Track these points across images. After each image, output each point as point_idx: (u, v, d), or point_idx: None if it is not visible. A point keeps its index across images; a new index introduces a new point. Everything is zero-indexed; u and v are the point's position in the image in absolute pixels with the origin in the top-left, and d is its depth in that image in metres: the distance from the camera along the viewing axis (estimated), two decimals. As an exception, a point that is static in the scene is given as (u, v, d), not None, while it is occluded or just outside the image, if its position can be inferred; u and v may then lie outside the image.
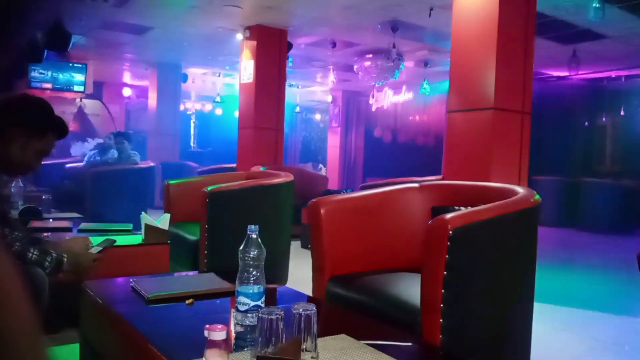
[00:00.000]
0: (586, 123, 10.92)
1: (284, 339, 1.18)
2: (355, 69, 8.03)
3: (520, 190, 2.06)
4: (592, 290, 4.18)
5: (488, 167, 3.42)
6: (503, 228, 1.85)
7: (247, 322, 1.49)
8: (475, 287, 1.78)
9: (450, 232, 1.65)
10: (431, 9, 5.47)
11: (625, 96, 10.42)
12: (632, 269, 1.29)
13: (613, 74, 9.16)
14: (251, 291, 1.50)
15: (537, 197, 1.98)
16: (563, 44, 6.97)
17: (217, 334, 1.09)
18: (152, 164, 6.23)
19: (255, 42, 6.27)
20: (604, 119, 10.79)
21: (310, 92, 12.02)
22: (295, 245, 4.68)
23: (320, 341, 1.25)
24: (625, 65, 8.32)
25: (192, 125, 13.57)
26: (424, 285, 1.73)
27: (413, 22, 6.20)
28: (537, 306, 2.14)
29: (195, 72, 10.15)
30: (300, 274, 3.21)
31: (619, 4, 5.32)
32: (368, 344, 1.38)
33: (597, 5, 4.81)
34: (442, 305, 1.64)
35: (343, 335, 1.44)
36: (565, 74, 8.87)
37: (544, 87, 9.85)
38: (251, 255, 1.49)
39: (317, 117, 15.07)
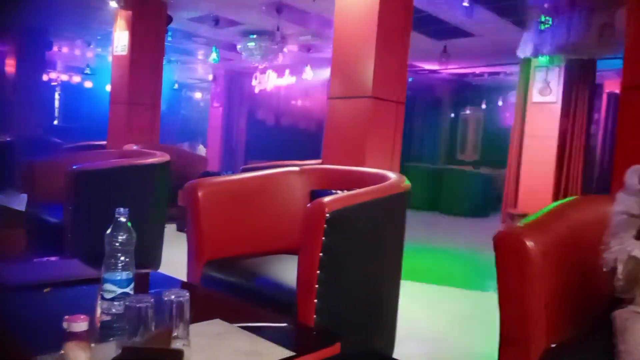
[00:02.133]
0: (452, 115, 11.81)
1: (153, 328, 1.13)
2: (238, 49, 7.88)
3: (392, 176, 2.16)
4: (454, 268, 4.56)
5: (364, 153, 3.55)
6: (376, 211, 1.93)
7: (114, 310, 1.39)
8: (349, 267, 1.84)
9: (328, 215, 1.69)
10: (315, -6, 5.52)
11: (487, 91, 11.44)
12: (487, 249, 1.42)
13: (477, 70, 9.98)
14: (119, 278, 1.40)
15: (407, 182, 2.10)
16: (435, 39, 7.42)
17: (76, 325, 1.01)
18: (7, 139, 5.59)
19: (130, 13, 5.86)
20: (467, 112, 11.75)
21: (191, 68, 11.58)
22: (170, 229, 4.51)
23: (194, 327, 1.21)
24: (488, 62, 9.11)
25: (57, 97, 12.43)
26: (300, 266, 1.75)
27: (298, 6, 6.21)
28: (403, 284, 2.28)
29: (62, 40, 9.27)
30: (175, 258, 3.09)
31: (487, 4, 5.78)
32: (242, 327, 1.36)
33: (467, 4, 5.19)
34: (317, 286, 1.68)
35: (217, 320, 1.41)
36: (436, 67, 9.48)
37: (417, 79, 10.46)
38: (119, 240, 1.40)
39: (198, 95, 14.60)
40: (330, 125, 3.86)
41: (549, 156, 6.47)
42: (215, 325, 1.38)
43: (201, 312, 1.46)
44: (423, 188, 8.73)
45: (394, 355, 2.15)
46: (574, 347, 1.37)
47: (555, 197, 6.27)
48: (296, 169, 2.56)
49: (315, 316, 1.72)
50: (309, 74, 8.81)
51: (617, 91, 7.26)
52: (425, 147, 11.59)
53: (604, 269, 1.33)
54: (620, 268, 1.28)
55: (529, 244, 1.35)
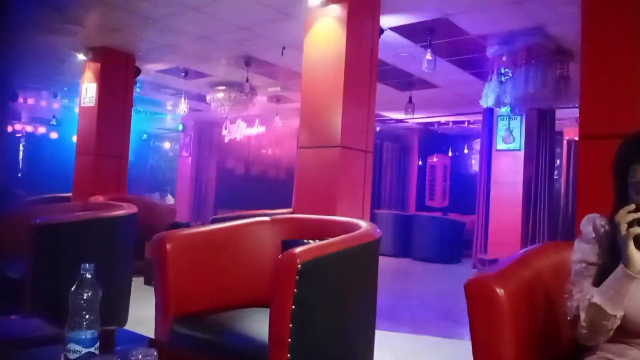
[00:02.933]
0: (420, 162, 12.05)
1: (119, 390, 1.08)
2: (207, 99, 7.95)
3: (364, 224, 2.18)
4: (428, 316, 4.54)
5: (335, 202, 3.58)
6: (348, 260, 1.93)
7: (78, 372, 1.33)
8: (322, 319, 1.82)
9: (299, 266, 1.68)
10: (283, 48, 5.66)
11: (453, 139, 11.77)
12: (461, 296, 1.42)
13: (443, 119, 10.30)
14: (83, 337, 1.35)
15: (377, 231, 2.11)
16: (401, 90, 7.67)
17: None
18: (-33, 192, 5.43)
19: (98, 65, 5.89)
20: (435, 159, 12.00)
21: (160, 119, 11.59)
22: (138, 282, 4.38)
23: (161, 388, 1.17)
24: (453, 111, 9.42)
25: (21, 149, 12.19)
26: (272, 320, 1.72)
27: (265, 59, 6.35)
28: (377, 333, 2.26)
29: (27, 92, 9.19)
30: (142, 313, 3.00)
31: (448, 57, 6.04)
32: (213, 387, 1.32)
33: (430, 57, 5.41)
34: (289, 340, 1.65)
35: (186, 379, 1.36)
36: (403, 117, 9.74)
37: (384, 128, 10.71)
38: (84, 297, 1.35)
39: (167, 145, 14.54)
40: (301, 175, 3.89)
41: (516, 202, 6.63)
42: (184, 385, 1.34)
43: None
44: (393, 234, 8.78)
45: (369, 409, 2.10)
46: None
47: (524, 242, 6.39)
48: (267, 219, 2.55)
49: (288, 372, 1.67)
50: (278, 123, 8.92)
51: (576, 138, 7.57)
52: (394, 194, 11.73)
53: (568, 318, 1.35)
54: (582, 315, 1.30)
55: (499, 290, 1.36)
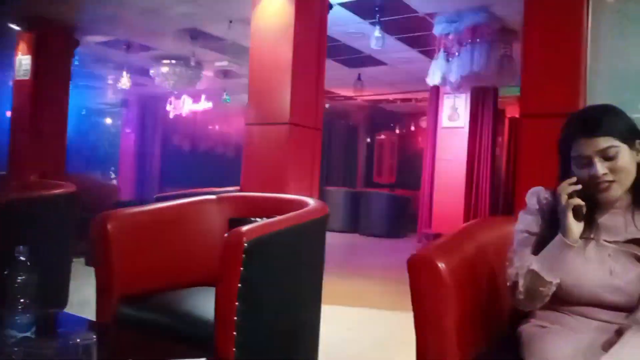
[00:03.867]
0: (368, 139, 12.17)
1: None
2: (151, 74, 7.68)
3: (311, 201, 2.18)
4: (374, 290, 4.64)
5: (283, 179, 3.57)
6: (295, 238, 1.93)
7: (14, 357, 1.28)
8: (269, 297, 1.82)
9: (246, 244, 1.66)
10: (230, 22, 5.53)
11: (401, 117, 11.94)
12: (404, 269, 1.46)
13: (391, 97, 10.41)
14: (18, 321, 1.30)
15: (325, 207, 2.12)
16: (350, 67, 7.67)
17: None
18: None
19: (33, 35, 5.56)
20: (382, 136, 12.15)
21: (101, 93, 11.12)
22: (79, 263, 4.24)
23: (103, 371, 1.14)
24: (400, 89, 9.53)
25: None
26: (218, 299, 1.71)
27: (213, 33, 6.19)
28: (324, 308, 2.29)
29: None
30: (84, 295, 2.91)
31: (397, 35, 6.08)
32: (158, 367, 1.30)
33: (378, 35, 5.42)
34: (236, 318, 1.64)
35: (130, 361, 1.34)
36: (352, 94, 9.78)
37: (334, 105, 10.72)
38: (19, 280, 1.29)
39: (109, 121, 14.01)
40: (249, 152, 3.85)
41: (459, 178, 6.83)
42: (128, 367, 1.31)
43: (112, 354, 1.38)
44: (343, 211, 8.89)
45: (317, 383, 2.14)
46: (485, 363, 1.43)
47: (466, 217, 6.61)
48: (213, 197, 2.51)
49: (234, 349, 1.67)
50: (226, 99, 8.75)
51: (517, 116, 7.83)
52: (343, 170, 11.84)
53: (507, 284, 1.41)
54: (521, 282, 1.36)
55: (440, 265, 1.40)
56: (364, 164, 11.98)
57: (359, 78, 8.12)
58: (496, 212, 6.98)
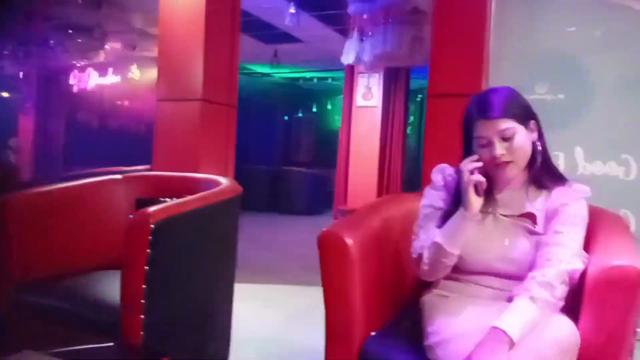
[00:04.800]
0: (286, 117, 12.14)
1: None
2: (52, 44, 7.14)
3: (224, 180, 2.15)
4: (291, 266, 4.69)
5: (197, 158, 3.47)
6: (207, 218, 1.90)
7: None
8: (179, 279, 1.78)
9: (152, 225, 1.61)
10: (139, -9, 5.24)
11: (318, 95, 11.99)
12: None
13: (308, 75, 10.41)
14: None
15: (238, 187, 2.10)
16: (266, 43, 7.56)
17: None
18: None
19: None
20: (300, 115, 12.17)
21: (-5, 65, 10.18)
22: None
23: (-7, 364, 1.06)
24: (317, 67, 9.55)
25: None
26: (124, 282, 1.65)
27: (119, 1, 5.83)
28: (240, 287, 2.28)
29: None
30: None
31: (312, 12, 6.05)
32: (56, 355, 1.23)
33: (293, 11, 5.37)
34: (143, 301, 1.59)
35: (27, 352, 1.26)
36: (269, 71, 9.68)
37: (251, 82, 10.55)
38: None
39: (4, 94, 12.89)
40: (159, 129, 3.70)
41: (373, 156, 7.01)
42: (24, 358, 1.23)
43: (7, 344, 1.29)
44: (261, 189, 8.86)
45: (230, 361, 2.14)
46: (390, 333, 1.50)
47: (379, 194, 6.82)
48: (119, 176, 2.39)
49: (142, 333, 1.62)
50: (135, 73, 8.33)
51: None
52: (261, 149, 11.74)
53: (413, 256, 1.48)
54: (425, 253, 1.43)
55: (348, 240, 1.44)
56: (283, 142, 11.96)
57: (275, 55, 8.03)
58: (408, 188, 7.25)
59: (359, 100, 7.14)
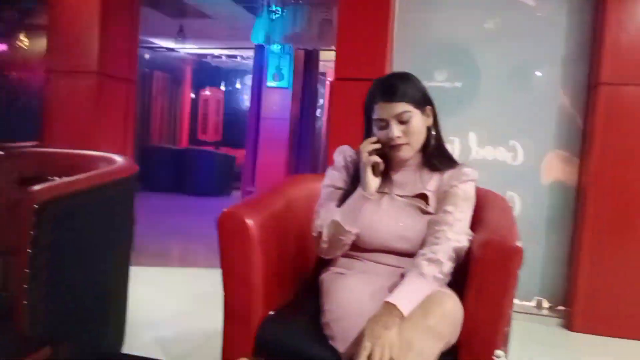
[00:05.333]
0: (193, 95, 11.77)
1: None
2: None
3: (119, 159, 2.04)
4: (193, 249, 4.59)
5: (92, 135, 3.27)
6: (97, 198, 1.79)
7: None
8: (68, 262, 1.67)
9: (36, 205, 1.49)
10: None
11: (226, 73, 11.73)
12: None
13: (216, 52, 10.12)
14: None
15: (134, 166, 2.00)
16: (172, 17, 7.24)
17: None
18: None
19: None
20: (208, 92, 11.85)
21: None
22: None
23: None
24: (226, 45, 9.31)
25: None
26: (5, 266, 1.52)
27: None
28: (138, 271, 2.19)
29: None
30: None
31: (220, -13, 5.88)
32: None
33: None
34: (26, 286, 1.48)
35: None
36: (174, 45, 9.30)
37: (154, 57, 10.07)
38: None
39: None
40: (50, 103, 3.43)
41: (283, 137, 7.00)
42: None
43: None
44: (166, 170, 8.53)
45: (126, 348, 2.05)
46: (289, 311, 1.51)
47: (288, 175, 6.85)
48: (1, 152, 2.19)
49: (28, 320, 1.51)
50: (25, 42, 7.64)
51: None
52: (165, 127, 11.31)
53: (314, 234, 1.50)
54: (325, 232, 1.46)
55: (249, 221, 1.42)
56: (189, 120, 11.58)
57: (180, 30, 7.72)
58: (316, 170, 7.35)
59: (269, 80, 7.08)
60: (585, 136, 2.88)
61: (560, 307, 2.95)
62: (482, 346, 1.25)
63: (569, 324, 2.84)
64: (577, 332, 2.79)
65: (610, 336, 2.74)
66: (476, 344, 1.26)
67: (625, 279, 2.73)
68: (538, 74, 2.99)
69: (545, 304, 2.99)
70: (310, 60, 7.06)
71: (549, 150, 2.98)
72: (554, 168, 2.98)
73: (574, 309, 2.83)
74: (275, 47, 6.80)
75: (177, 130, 11.32)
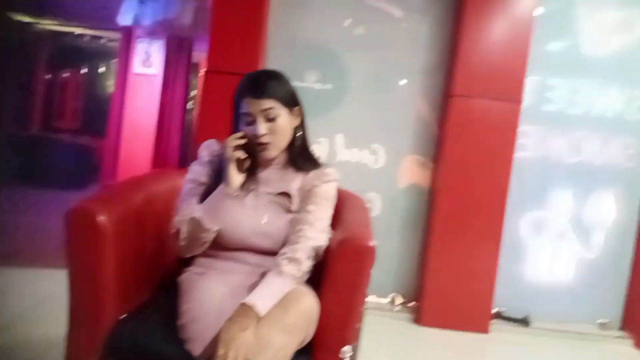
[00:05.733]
0: (48, 76, 10.71)
1: None
2: None
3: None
4: (43, 247, 4.19)
5: None
6: None
7: None
8: None
9: None
10: None
11: (89, 56, 10.86)
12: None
13: (78, 30, 9.32)
14: None
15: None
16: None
17: None
18: None
19: None
20: (66, 75, 10.89)
21: None
22: None
23: None
24: (90, 24, 8.61)
25: None
26: None
27: None
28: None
29: None
30: None
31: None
32: None
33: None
34: None
35: None
36: (30, 21, 8.41)
37: (7, 31, 9.01)
38: None
39: None
40: None
41: (149, 128, 6.67)
42: None
43: None
44: (11, 159, 7.65)
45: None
46: (145, 313, 1.43)
47: (154, 168, 6.54)
48: None
49: None
50: None
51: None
52: (15, 111, 10.15)
53: (172, 231, 1.44)
54: (183, 229, 1.41)
55: (101, 217, 1.33)
56: (42, 104, 10.51)
57: (38, 3, 7.00)
58: (185, 164, 7.12)
59: (137, 66, 6.69)
60: (439, 143, 3.13)
61: (412, 303, 3.18)
62: (334, 342, 1.30)
63: (418, 319, 3.07)
64: (425, 326, 3.03)
65: (452, 329, 3.01)
66: (329, 339, 1.30)
67: (464, 276, 3.02)
68: (401, 82, 3.18)
69: (399, 300, 3.20)
70: (182, 49, 6.81)
71: (407, 154, 3.19)
72: (411, 172, 3.20)
73: (422, 305, 3.06)
74: (145, 32, 6.44)
75: (28, 115, 10.22)
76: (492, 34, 2.94)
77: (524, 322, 3.12)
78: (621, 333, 3.17)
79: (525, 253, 3.21)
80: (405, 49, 3.16)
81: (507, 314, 3.15)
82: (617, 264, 3.22)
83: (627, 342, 3.13)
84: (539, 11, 3.03)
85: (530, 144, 3.17)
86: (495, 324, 3.10)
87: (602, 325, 3.19)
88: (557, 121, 3.17)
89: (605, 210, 3.20)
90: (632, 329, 3.16)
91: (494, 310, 3.12)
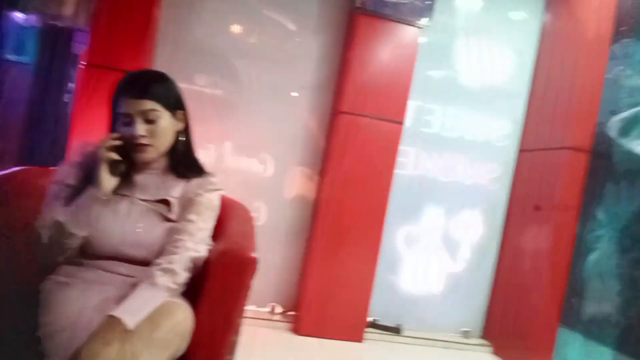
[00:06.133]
0: None
1: None
2: None
3: None
4: None
5: None
6: None
7: None
8: None
9: None
10: None
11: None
12: None
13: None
14: None
15: None
16: None
17: None
18: None
19: None
20: None
21: None
22: None
23: None
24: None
25: None
26: None
27: None
28: None
29: None
30: None
31: None
32: None
33: None
34: None
35: None
36: None
37: None
38: None
39: None
40: None
41: (17, 122, 6.06)
42: None
43: None
44: None
45: None
46: (0, 325, 1.29)
47: (21, 165, 5.95)
48: None
49: None
50: None
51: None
52: None
53: (32, 236, 1.32)
54: (44, 233, 1.29)
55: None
56: None
57: None
58: (57, 162, 6.57)
59: (8, 53, 6.06)
60: (325, 157, 3.20)
61: (291, 312, 3.20)
62: (208, 356, 1.26)
63: (296, 328, 3.10)
64: (302, 335, 3.06)
65: (329, 338, 3.08)
66: (203, 353, 1.26)
67: (342, 286, 3.10)
68: (292, 94, 3.21)
69: (279, 310, 3.20)
70: (61, 38, 6.30)
71: (295, 166, 3.22)
72: (298, 183, 3.24)
73: (300, 314, 3.09)
74: (19, 15, 5.88)
75: None
76: (380, 57, 3.09)
77: (396, 330, 3.28)
78: (482, 341, 3.45)
79: (399, 265, 3.38)
80: (298, 63, 3.20)
81: (381, 322, 3.29)
82: (479, 277, 3.51)
83: (487, 349, 3.40)
84: (422, 40, 3.23)
85: (409, 163, 3.36)
86: (369, 333, 3.21)
87: (465, 334, 3.45)
88: (434, 143, 3.39)
89: (472, 227, 3.48)
90: (491, 337, 3.46)
91: (369, 319, 3.24)
